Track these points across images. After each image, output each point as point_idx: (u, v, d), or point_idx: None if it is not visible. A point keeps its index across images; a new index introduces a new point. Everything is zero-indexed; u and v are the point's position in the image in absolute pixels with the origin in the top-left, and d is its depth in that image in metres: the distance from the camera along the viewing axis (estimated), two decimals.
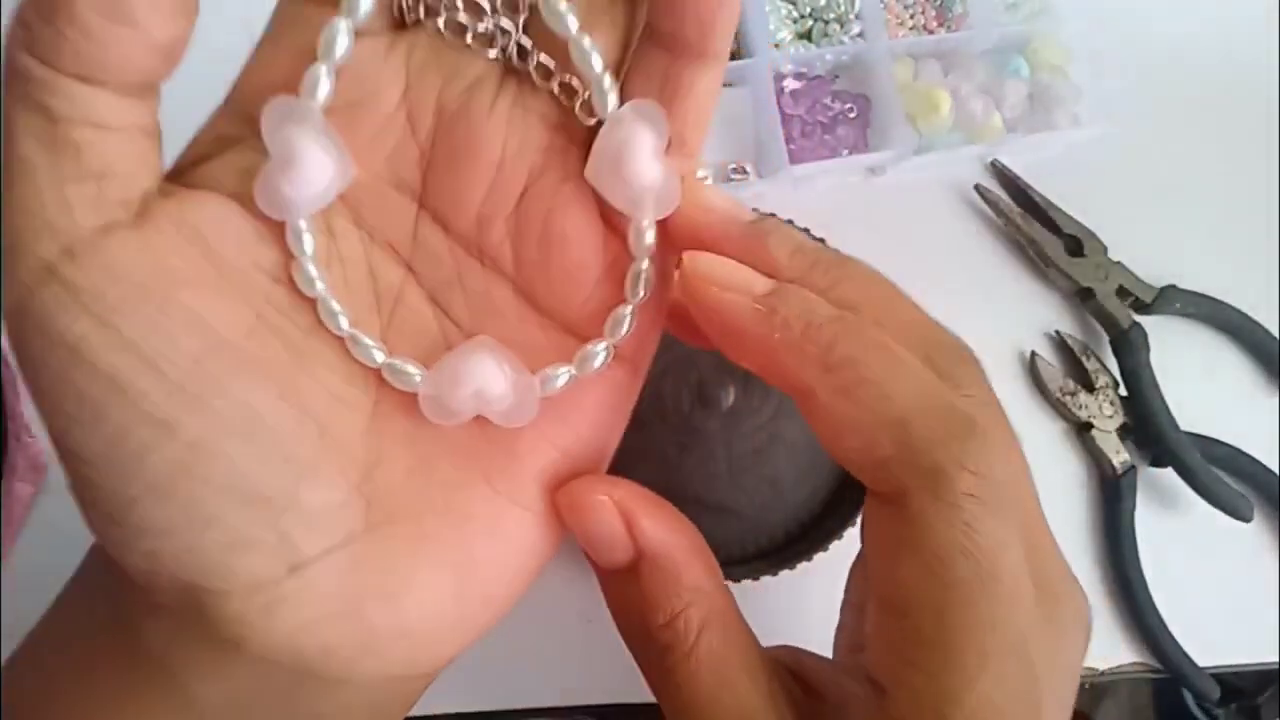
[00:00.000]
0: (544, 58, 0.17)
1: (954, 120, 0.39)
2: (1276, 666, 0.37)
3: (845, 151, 0.38)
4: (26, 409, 0.36)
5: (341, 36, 0.16)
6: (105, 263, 0.14)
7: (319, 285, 0.16)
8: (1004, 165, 0.39)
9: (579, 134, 0.17)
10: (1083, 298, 0.38)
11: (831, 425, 0.16)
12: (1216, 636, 0.36)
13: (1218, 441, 0.37)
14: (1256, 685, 0.45)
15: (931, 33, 0.40)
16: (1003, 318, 0.39)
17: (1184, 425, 0.37)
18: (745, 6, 0.38)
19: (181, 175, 0.16)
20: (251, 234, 0.16)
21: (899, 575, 0.15)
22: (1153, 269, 0.38)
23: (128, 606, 0.16)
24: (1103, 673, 0.36)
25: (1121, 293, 0.38)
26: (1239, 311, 0.38)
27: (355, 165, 0.16)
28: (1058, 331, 0.38)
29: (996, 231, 0.40)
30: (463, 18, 0.16)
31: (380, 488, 0.16)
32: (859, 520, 0.33)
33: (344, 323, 0.16)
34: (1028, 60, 0.40)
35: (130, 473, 0.14)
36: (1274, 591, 0.37)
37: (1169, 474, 0.37)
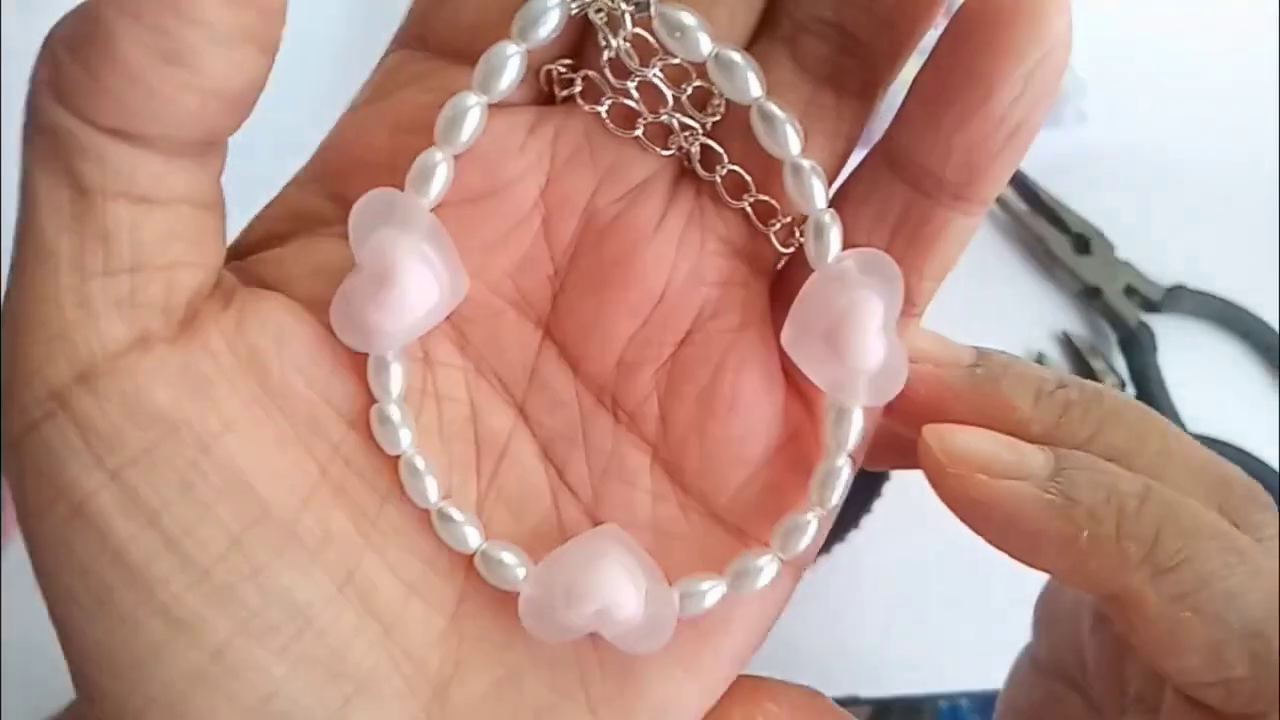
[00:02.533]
0: (735, 167, 0.13)
1: None
2: None
3: None
4: None
5: (471, 115, 0.12)
6: (130, 394, 0.11)
7: (404, 441, 0.13)
8: None
9: (766, 262, 0.14)
10: (1090, 297, 0.38)
11: (1164, 638, 0.12)
12: None
13: (1226, 443, 0.37)
14: None
15: (936, 28, 0.40)
16: (1010, 317, 0.38)
17: (1192, 427, 0.36)
18: None
19: (244, 258, 0.13)
20: (326, 360, 0.13)
21: None
22: (1161, 268, 0.38)
23: None
24: None
25: (1129, 292, 0.37)
26: (1248, 312, 0.38)
27: (468, 279, 0.13)
28: (1065, 331, 0.38)
29: (1003, 230, 0.39)
30: (633, 103, 0.13)
31: (453, 710, 0.13)
32: (863, 523, 0.33)
33: (432, 492, 0.13)
34: None
35: (137, 677, 0.12)
36: None
37: None
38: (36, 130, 0.11)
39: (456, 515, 0.13)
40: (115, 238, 0.11)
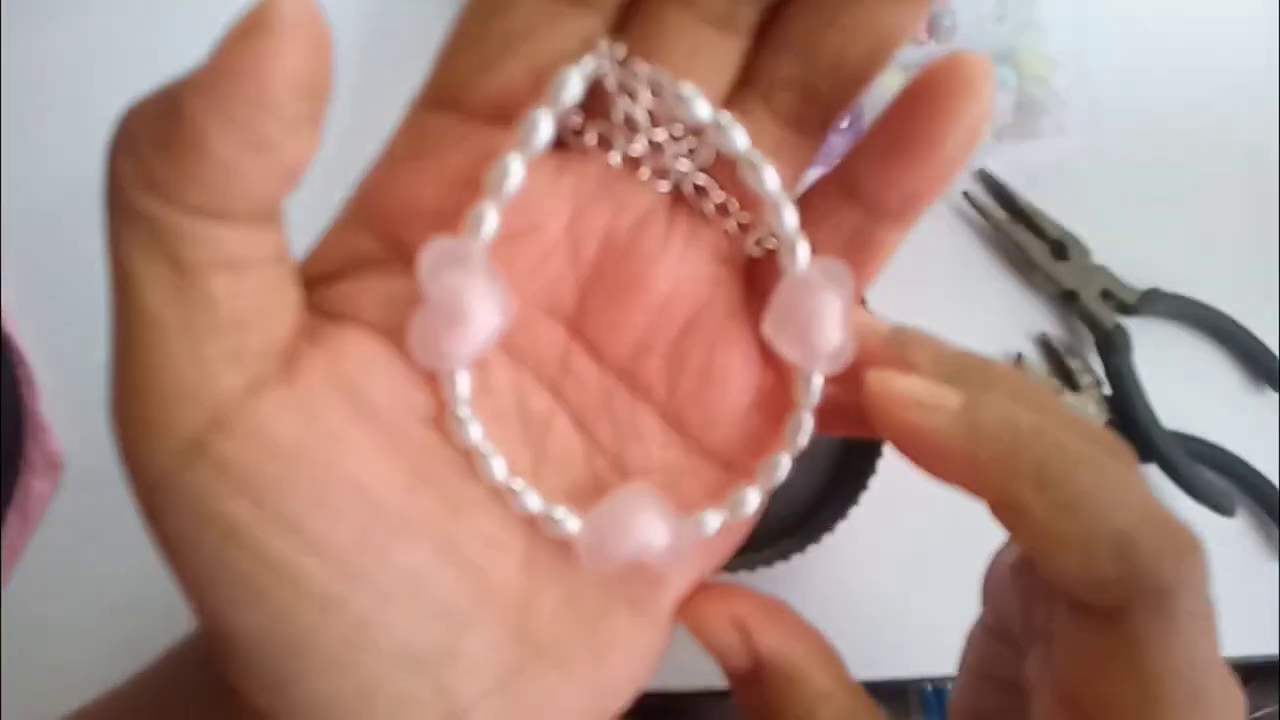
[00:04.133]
0: (720, 194, 0.16)
1: None
2: (1261, 659, 0.38)
3: (837, 161, 0.39)
4: (43, 407, 0.37)
5: (514, 172, 0.15)
6: (258, 432, 0.13)
7: (474, 435, 0.15)
8: (990, 173, 0.41)
9: (740, 260, 0.17)
10: (1067, 300, 0.39)
11: (1047, 541, 0.15)
12: None
13: (1200, 440, 0.38)
14: (1241, 677, 0.46)
15: (922, 44, 0.41)
16: (990, 320, 0.40)
17: (1167, 424, 0.37)
18: None
19: (313, 291, 0.15)
20: (403, 378, 0.15)
21: (1101, 688, 0.15)
22: (1136, 272, 0.39)
23: None
24: None
25: (1105, 295, 0.39)
26: (1220, 313, 0.39)
27: (515, 305, 0.16)
28: (1043, 333, 0.39)
29: (984, 237, 0.41)
30: (637, 151, 0.16)
31: (532, 625, 0.16)
32: (850, 514, 0.34)
33: (499, 471, 0.16)
34: (1014, 70, 0.41)
35: (295, 651, 0.14)
36: (1256, 585, 0.38)
37: (1153, 471, 0.38)
38: (127, 218, 0.13)
39: (518, 486, 0.16)
40: (217, 303, 0.13)
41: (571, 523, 0.16)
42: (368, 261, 0.15)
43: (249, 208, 0.13)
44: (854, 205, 0.16)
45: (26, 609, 0.36)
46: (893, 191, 0.15)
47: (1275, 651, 0.37)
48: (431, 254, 0.15)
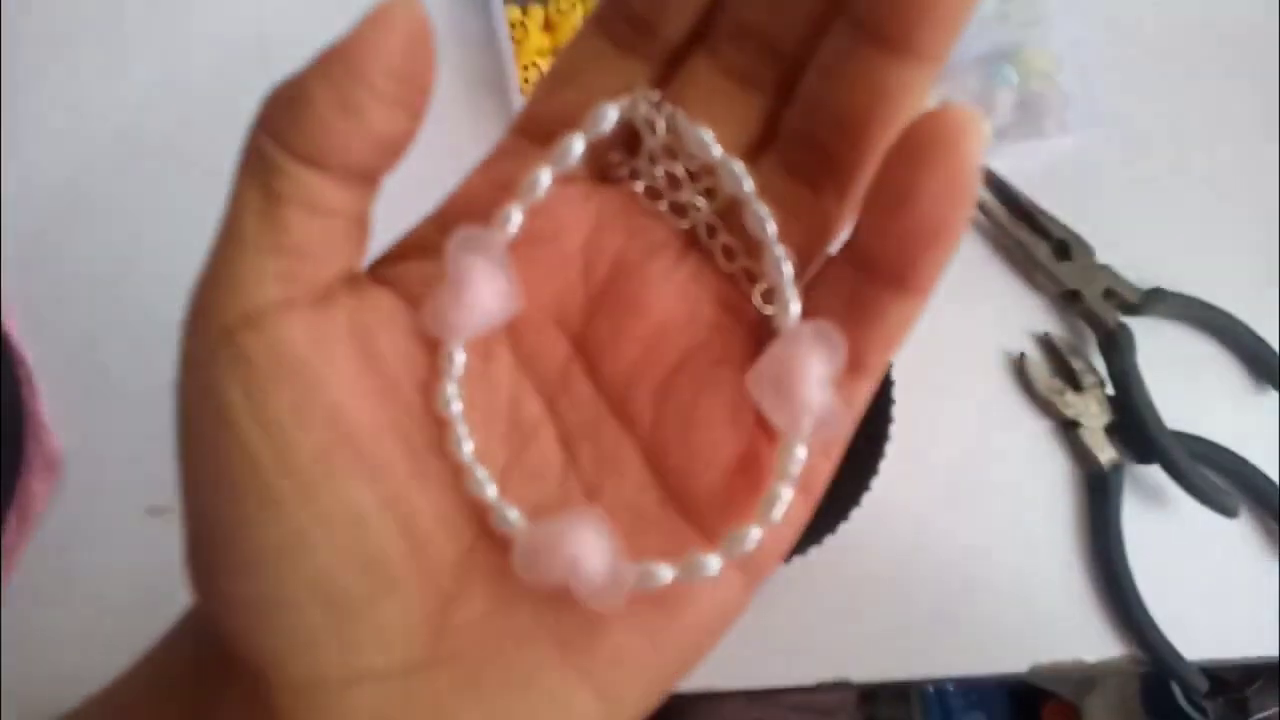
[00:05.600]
0: (730, 240, 0.17)
1: None
2: (1264, 660, 0.38)
3: None
4: (43, 407, 0.37)
5: (542, 180, 0.16)
6: (274, 337, 0.15)
7: (453, 410, 0.16)
8: (993, 171, 0.40)
9: (748, 317, 0.17)
10: (1070, 300, 0.39)
11: None
12: (1203, 630, 0.37)
13: (1203, 440, 0.38)
14: (1244, 678, 0.46)
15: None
16: (992, 320, 0.39)
17: (1170, 424, 0.37)
18: None
19: (381, 266, 0.18)
20: (414, 341, 0.17)
21: None
22: (1140, 272, 0.39)
23: (210, 686, 0.17)
24: (1091, 665, 0.37)
25: (1109, 295, 0.39)
26: (1224, 313, 0.39)
27: (523, 300, 0.17)
28: (1046, 332, 0.39)
29: (986, 236, 0.41)
30: (660, 185, 0.17)
31: (454, 621, 0.16)
32: (850, 514, 0.34)
33: (466, 451, 0.16)
34: (1017, 68, 0.41)
35: (232, 541, 0.15)
36: (1259, 586, 0.38)
37: (1155, 471, 0.38)
38: (250, 150, 0.15)
39: (481, 474, 0.16)
40: (287, 230, 0.15)
41: (520, 524, 0.16)
42: (426, 246, 0.17)
43: (335, 162, 0.15)
44: (853, 266, 0.16)
45: (26, 609, 0.36)
46: (879, 244, 0.15)
47: (1277, 652, 0.37)
48: (457, 238, 0.16)
